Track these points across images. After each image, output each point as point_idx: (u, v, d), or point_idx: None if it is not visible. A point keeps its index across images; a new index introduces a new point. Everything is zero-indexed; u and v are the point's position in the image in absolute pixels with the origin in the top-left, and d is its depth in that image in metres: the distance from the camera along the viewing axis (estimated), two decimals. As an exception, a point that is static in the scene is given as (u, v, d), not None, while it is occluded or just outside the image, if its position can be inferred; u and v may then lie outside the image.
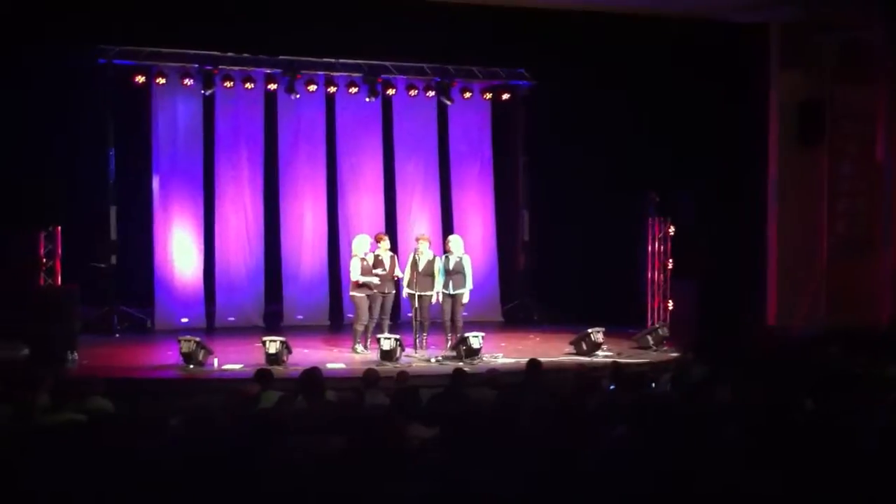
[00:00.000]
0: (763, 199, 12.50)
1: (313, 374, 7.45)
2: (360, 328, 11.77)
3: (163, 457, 5.09)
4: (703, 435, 5.26)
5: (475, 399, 7.03)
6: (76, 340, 10.84)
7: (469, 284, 11.88)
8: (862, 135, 11.98)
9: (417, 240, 12.11)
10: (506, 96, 15.52)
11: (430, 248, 12.04)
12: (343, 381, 9.03)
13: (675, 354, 11.52)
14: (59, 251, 11.92)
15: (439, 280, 11.78)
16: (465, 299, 11.90)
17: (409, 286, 11.84)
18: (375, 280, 11.66)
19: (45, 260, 11.79)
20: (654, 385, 8.19)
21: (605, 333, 11.66)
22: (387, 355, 10.80)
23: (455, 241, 12.09)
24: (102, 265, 13.56)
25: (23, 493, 4.62)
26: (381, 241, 11.98)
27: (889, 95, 11.61)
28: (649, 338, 12.22)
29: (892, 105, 11.62)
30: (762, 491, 4.34)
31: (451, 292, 11.80)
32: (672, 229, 13.02)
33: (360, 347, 11.70)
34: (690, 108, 12.78)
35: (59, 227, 11.90)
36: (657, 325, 12.64)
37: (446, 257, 11.91)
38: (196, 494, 4.59)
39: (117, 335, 13.30)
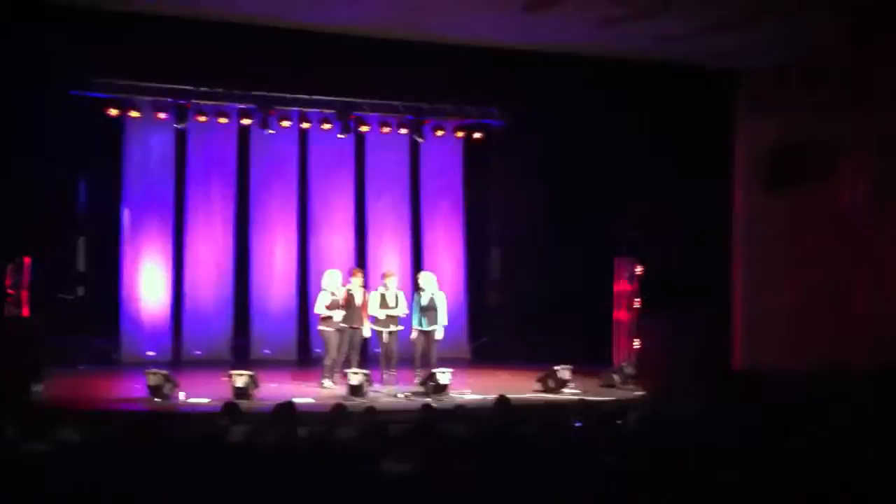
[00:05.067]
0: (730, 240, 12.68)
1: (287, 408, 7.41)
2: (328, 363, 11.77)
3: (130, 489, 5.07)
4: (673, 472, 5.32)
5: (446, 434, 7.04)
6: (42, 372, 10.72)
7: (443, 321, 11.97)
8: (829, 179, 12.18)
9: (385, 276, 12.18)
10: (477, 135, 15.70)
11: (397, 284, 12.15)
12: (311, 416, 9.00)
13: (641, 393, 11.64)
14: (26, 282, 11.81)
15: (415, 317, 11.89)
16: (439, 335, 11.97)
17: (376, 322, 11.89)
18: (337, 315, 11.69)
19: (11, 290, 11.67)
20: (619, 423, 8.26)
21: (572, 371, 11.75)
22: (355, 390, 10.80)
23: (426, 277, 12.19)
24: (70, 297, 13.47)
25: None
26: (355, 277, 12.03)
27: (863, 143, 11.83)
28: (615, 376, 12.33)
29: (864, 152, 11.83)
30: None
31: (425, 328, 11.88)
32: (640, 269, 13.17)
33: (328, 382, 11.69)
34: (663, 147, 12.99)
35: (27, 258, 11.81)
36: (624, 364, 12.74)
37: (419, 294, 11.99)
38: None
39: (83, 367, 13.18)
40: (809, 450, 5.59)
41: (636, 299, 13.20)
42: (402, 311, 11.94)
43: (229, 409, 7.83)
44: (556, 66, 12.68)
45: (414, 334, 11.99)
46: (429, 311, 11.89)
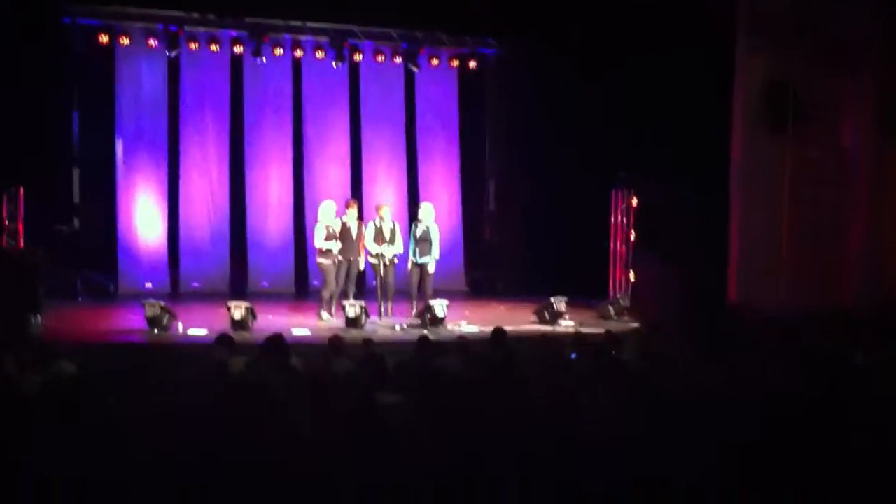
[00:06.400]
0: (727, 178, 12.63)
1: (277, 341, 7.40)
2: (326, 295, 11.81)
3: (131, 420, 5.13)
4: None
5: (441, 366, 7.11)
6: (40, 304, 10.75)
7: (435, 254, 11.96)
8: (829, 120, 12.08)
9: (378, 208, 12.12)
10: (473, 65, 15.53)
11: (392, 215, 12.11)
12: (308, 347, 9.07)
13: (635, 325, 11.73)
14: (22, 213, 11.78)
15: (410, 248, 11.90)
16: (431, 269, 11.95)
17: (371, 255, 11.88)
18: (335, 247, 11.68)
19: (6, 222, 11.65)
20: (614, 353, 8.33)
21: (567, 303, 11.81)
22: (352, 322, 10.87)
23: (426, 208, 12.16)
24: (65, 228, 13.44)
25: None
26: (350, 208, 12.00)
27: (866, 82, 11.70)
28: (610, 308, 12.42)
29: (867, 91, 11.72)
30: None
31: (419, 261, 11.89)
32: (635, 201, 13.16)
33: (325, 314, 11.75)
34: (660, 82, 12.84)
35: (22, 189, 11.76)
36: (618, 296, 12.82)
37: (415, 225, 11.98)
38: (166, 456, 4.65)
39: (80, 299, 13.23)
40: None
41: (631, 232, 13.22)
42: (398, 244, 11.90)
43: (223, 340, 7.83)
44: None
45: (409, 266, 12.00)
46: (422, 242, 11.88)
